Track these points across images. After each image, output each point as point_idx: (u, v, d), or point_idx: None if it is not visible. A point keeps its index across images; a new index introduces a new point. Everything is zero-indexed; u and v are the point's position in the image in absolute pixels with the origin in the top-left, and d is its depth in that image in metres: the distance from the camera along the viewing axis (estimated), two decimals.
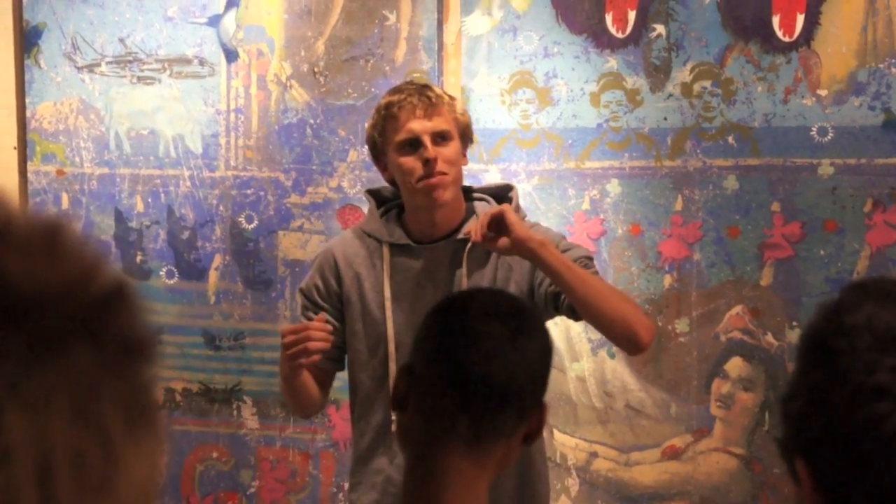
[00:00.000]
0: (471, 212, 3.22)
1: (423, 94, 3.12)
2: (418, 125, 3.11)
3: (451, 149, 3.11)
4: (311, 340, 3.01)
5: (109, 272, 0.77)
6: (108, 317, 0.74)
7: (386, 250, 3.21)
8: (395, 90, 3.20)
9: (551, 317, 3.13)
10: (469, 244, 3.14)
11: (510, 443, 1.87)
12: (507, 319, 1.88)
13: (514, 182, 4.11)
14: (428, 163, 3.09)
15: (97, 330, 0.73)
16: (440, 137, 3.11)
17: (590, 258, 3.16)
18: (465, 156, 3.21)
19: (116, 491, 0.72)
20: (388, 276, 3.20)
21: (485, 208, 3.19)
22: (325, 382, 3.31)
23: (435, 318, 1.93)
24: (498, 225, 2.95)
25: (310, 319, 3.25)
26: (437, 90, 3.19)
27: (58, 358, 0.70)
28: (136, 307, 0.77)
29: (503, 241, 2.94)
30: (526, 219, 3.27)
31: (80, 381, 0.70)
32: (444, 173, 3.09)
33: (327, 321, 3.17)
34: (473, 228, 2.99)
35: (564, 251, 3.05)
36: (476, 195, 3.29)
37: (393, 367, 3.17)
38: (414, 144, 3.11)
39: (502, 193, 3.30)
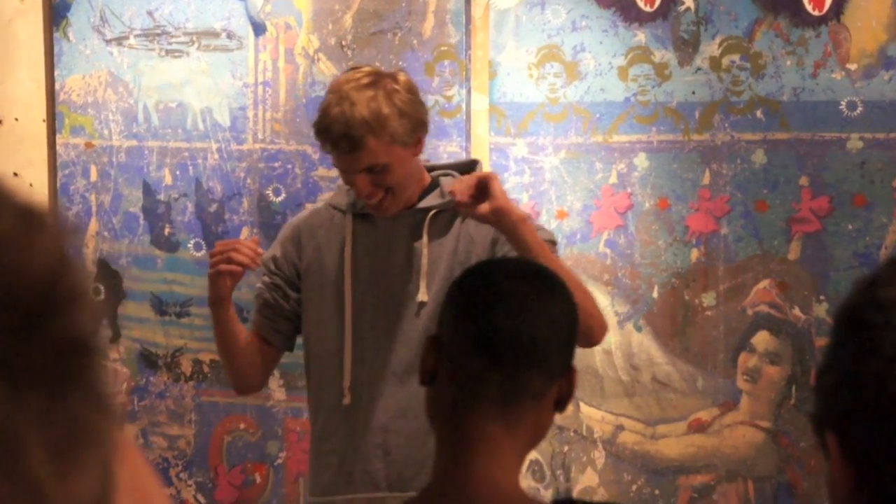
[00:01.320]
0: (435, 184, 3.18)
1: (346, 127, 2.97)
2: (343, 165, 3.05)
3: (389, 175, 3.02)
4: (237, 253, 3.03)
5: (35, 268, 0.64)
6: (30, 339, 0.62)
7: (348, 220, 3.18)
8: (325, 107, 3.05)
9: None
10: (430, 214, 3.13)
11: (541, 405, 1.88)
12: (530, 280, 1.91)
13: (541, 156, 4.12)
14: (361, 197, 3.07)
15: (14, 364, 0.62)
16: (371, 170, 3.02)
17: (554, 243, 3.15)
18: (418, 146, 3.11)
19: None
20: (349, 245, 3.18)
21: (450, 182, 3.15)
22: (267, 356, 3.31)
23: (460, 285, 1.96)
24: (481, 190, 2.92)
25: (264, 284, 3.26)
26: (359, 112, 2.97)
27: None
28: (70, 304, 0.64)
29: (483, 208, 2.89)
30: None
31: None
32: (381, 200, 3.06)
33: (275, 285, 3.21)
34: (458, 189, 2.94)
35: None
36: (440, 170, 3.25)
37: (349, 338, 3.14)
38: (346, 172, 3.07)
39: (468, 169, 3.25)
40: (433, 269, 3.11)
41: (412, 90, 3.11)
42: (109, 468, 0.67)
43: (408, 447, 3.12)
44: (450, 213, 3.14)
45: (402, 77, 3.13)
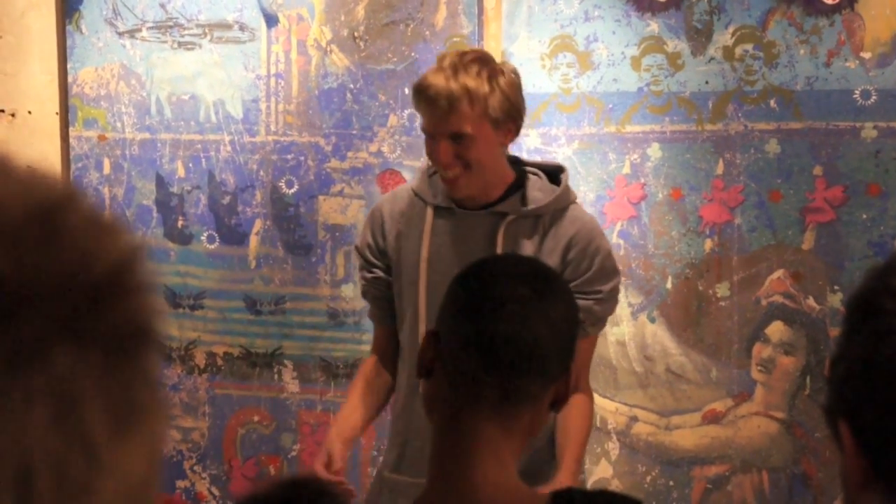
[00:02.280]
0: (519, 184, 3.18)
1: (447, 88, 3.02)
2: (432, 124, 3.06)
3: (471, 149, 3.04)
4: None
5: (110, 256, 0.72)
6: (99, 314, 0.70)
7: (429, 211, 3.19)
8: (434, 70, 3.09)
9: None
10: (507, 218, 3.13)
11: (537, 407, 1.87)
12: (531, 282, 1.88)
13: (553, 147, 4.11)
14: (437, 162, 3.08)
15: (83, 327, 0.69)
16: (457, 138, 3.04)
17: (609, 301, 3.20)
18: (508, 136, 3.13)
19: (101, 495, 0.69)
20: (427, 237, 3.19)
21: (536, 184, 3.16)
22: (395, 341, 3.34)
23: (459, 283, 1.94)
24: None
25: (366, 280, 3.30)
26: (463, 81, 3.03)
27: (40, 362, 0.67)
28: (136, 295, 0.72)
29: None
30: (576, 201, 3.24)
31: (62, 385, 0.67)
32: (457, 176, 3.06)
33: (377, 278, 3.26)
34: None
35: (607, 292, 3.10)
36: (528, 168, 3.25)
37: (422, 330, 3.16)
38: (432, 137, 3.08)
39: (555, 172, 3.24)
40: None
41: (517, 81, 3.15)
42: (157, 449, 0.72)
43: None
44: (531, 219, 3.14)
45: (509, 66, 3.19)
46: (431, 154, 3.09)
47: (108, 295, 0.70)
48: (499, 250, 3.10)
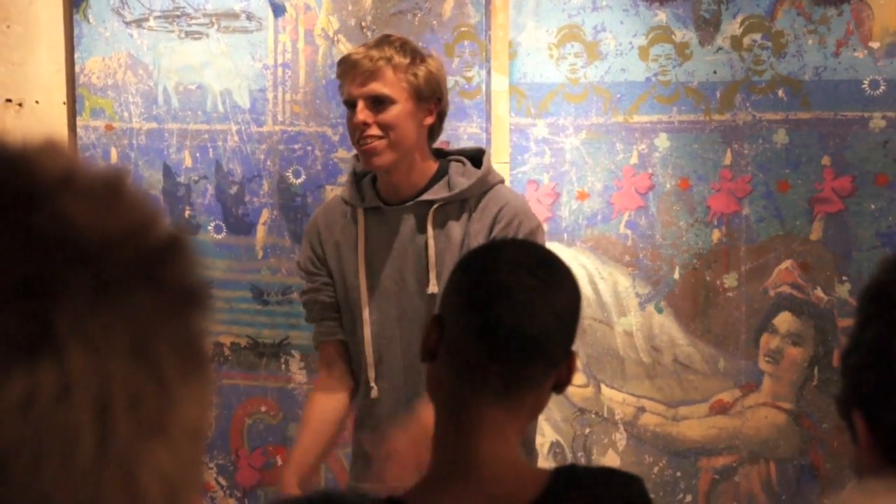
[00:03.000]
0: (443, 172, 3.19)
1: (366, 54, 3.08)
2: (352, 89, 3.10)
3: (391, 113, 3.06)
4: None
5: (166, 223, 0.79)
6: (166, 264, 0.77)
7: (360, 214, 3.20)
8: (342, 58, 3.17)
9: None
10: (434, 205, 3.13)
11: (540, 391, 1.88)
12: (536, 270, 1.87)
13: (561, 137, 4.11)
14: (357, 128, 3.10)
15: (156, 276, 0.75)
16: (376, 101, 3.07)
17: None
18: (429, 116, 3.15)
19: (170, 431, 0.74)
20: (362, 239, 3.20)
21: (459, 170, 3.18)
22: (346, 353, 3.33)
23: (464, 270, 1.94)
24: None
25: (313, 290, 3.29)
26: (387, 52, 3.09)
27: (119, 300, 0.72)
28: (191, 258, 0.80)
29: None
30: (503, 182, 3.26)
31: (139, 323, 0.73)
32: (378, 137, 3.07)
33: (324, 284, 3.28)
34: None
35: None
36: (451, 158, 3.26)
37: (367, 333, 3.19)
38: (352, 106, 3.11)
39: (477, 156, 3.25)
40: (440, 259, 3.12)
41: (443, 72, 3.20)
42: (212, 399, 0.81)
43: None
44: (457, 203, 3.15)
45: (434, 54, 3.27)
46: (350, 123, 3.13)
47: (173, 249, 0.78)
48: (430, 238, 3.12)
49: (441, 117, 3.19)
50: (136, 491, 0.72)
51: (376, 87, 3.07)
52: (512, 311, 1.83)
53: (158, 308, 0.75)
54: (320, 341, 3.32)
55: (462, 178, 3.16)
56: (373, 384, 3.21)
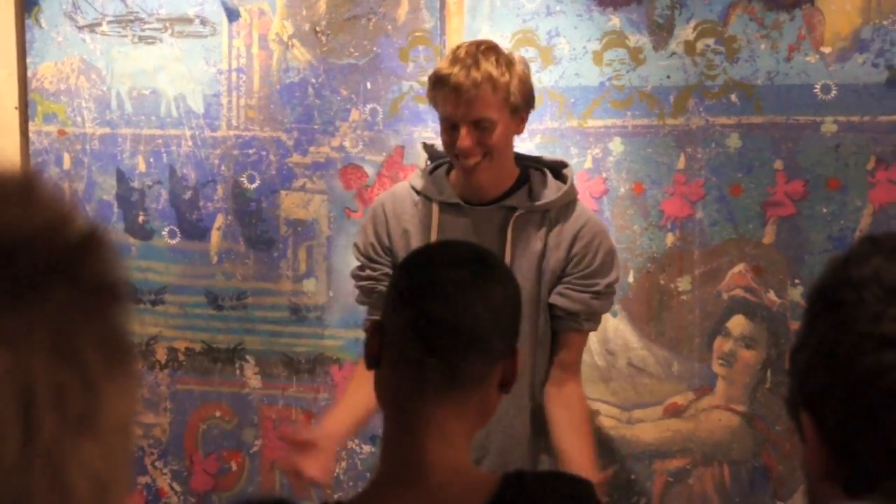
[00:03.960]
0: (524, 179, 3.24)
1: (467, 76, 3.07)
2: (454, 111, 3.11)
3: (494, 136, 3.10)
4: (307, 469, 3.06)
5: (82, 220, 0.79)
6: (84, 260, 0.77)
7: (435, 208, 3.23)
8: (451, 60, 3.14)
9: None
10: (517, 212, 3.15)
11: (484, 389, 1.89)
12: (469, 265, 1.90)
13: (516, 141, 4.12)
14: (458, 148, 3.12)
15: (74, 272, 0.76)
16: (478, 125, 3.09)
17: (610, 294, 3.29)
18: (521, 124, 3.20)
19: (97, 427, 0.74)
20: (435, 233, 3.22)
21: (540, 179, 3.22)
22: None
23: (400, 271, 1.96)
24: None
25: (371, 278, 3.31)
26: (485, 69, 3.09)
27: (37, 297, 0.73)
28: (109, 253, 0.80)
29: None
30: (577, 198, 3.31)
31: (59, 320, 0.73)
32: (478, 161, 3.11)
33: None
34: None
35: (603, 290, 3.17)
36: (530, 164, 3.30)
37: None
38: (453, 126, 3.13)
39: (558, 168, 3.31)
40: (515, 267, 3.15)
41: (528, 69, 3.22)
42: (139, 392, 0.81)
43: (481, 432, 3.17)
44: (539, 214, 3.19)
45: (518, 55, 3.24)
46: (450, 143, 3.14)
47: (89, 246, 0.78)
48: (508, 244, 3.16)
49: (527, 119, 3.24)
50: (64, 488, 0.72)
51: (480, 112, 3.08)
52: (444, 304, 1.85)
53: (78, 305, 0.75)
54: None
55: (545, 189, 3.21)
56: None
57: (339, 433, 3.21)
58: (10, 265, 0.72)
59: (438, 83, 3.12)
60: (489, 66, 3.08)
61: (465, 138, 3.09)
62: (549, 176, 3.27)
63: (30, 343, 0.71)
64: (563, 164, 3.34)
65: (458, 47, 3.19)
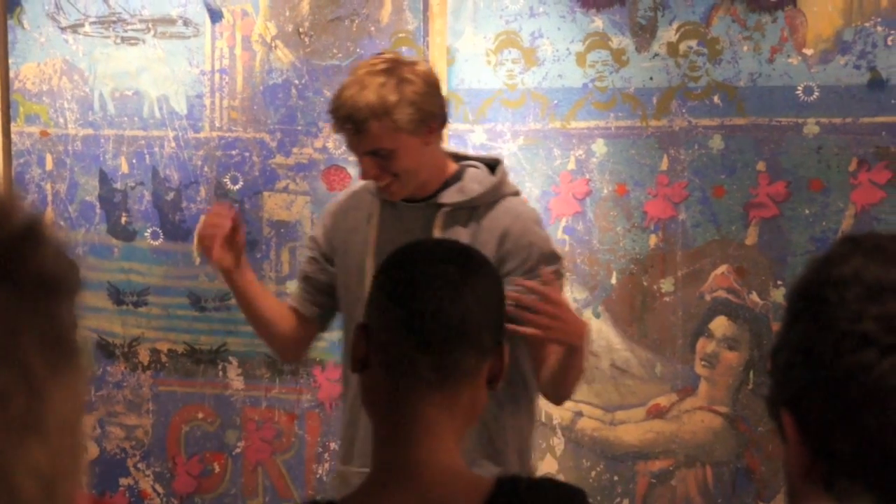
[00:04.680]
0: (458, 176, 3.21)
1: (353, 108, 3.03)
2: (349, 144, 3.11)
3: (396, 163, 3.06)
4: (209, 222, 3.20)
5: (23, 212, 0.77)
6: (24, 256, 0.75)
7: (375, 204, 3.23)
8: (344, 86, 3.10)
9: None
10: (442, 209, 3.15)
11: (474, 385, 1.88)
12: (455, 260, 1.90)
13: (499, 143, 4.12)
14: (366, 178, 3.13)
15: (12, 269, 0.74)
16: (376, 154, 3.07)
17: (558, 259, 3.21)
18: (431, 135, 3.12)
19: (42, 427, 0.73)
20: (374, 229, 3.22)
21: (475, 176, 3.19)
22: (303, 329, 3.35)
23: (385, 270, 1.95)
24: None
25: (306, 260, 3.37)
26: (368, 98, 3.02)
27: None
28: (52, 245, 0.78)
29: (533, 333, 2.96)
30: (518, 194, 3.29)
31: (0, 320, 0.72)
32: (391, 180, 3.10)
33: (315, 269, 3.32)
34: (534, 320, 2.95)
35: (553, 272, 3.07)
36: (469, 162, 3.27)
37: None
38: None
39: (493, 164, 3.27)
40: None
41: (429, 81, 3.12)
42: (86, 389, 0.78)
43: None
44: (467, 210, 3.16)
45: (420, 67, 3.16)
46: (360, 170, 3.14)
47: (28, 242, 0.75)
48: None
49: (444, 120, 3.18)
50: (10, 489, 0.71)
51: (372, 145, 3.05)
52: (433, 298, 1.84)
53: (18, 302, 0.73)
54: (293, 300, 3.39)
55: (476, 184, 3.18)
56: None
57: (251, 278, 3.29)
58: None
59: (332, 117, 3.10)
60: (370, 96, 3.02)
61: (367, 170, 3.09)
62: (485, 171, 3.23)
63: None
64: (497, 161, 3.30)
65: (355, 69, 3.15)
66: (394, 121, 3.03)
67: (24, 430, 0.72)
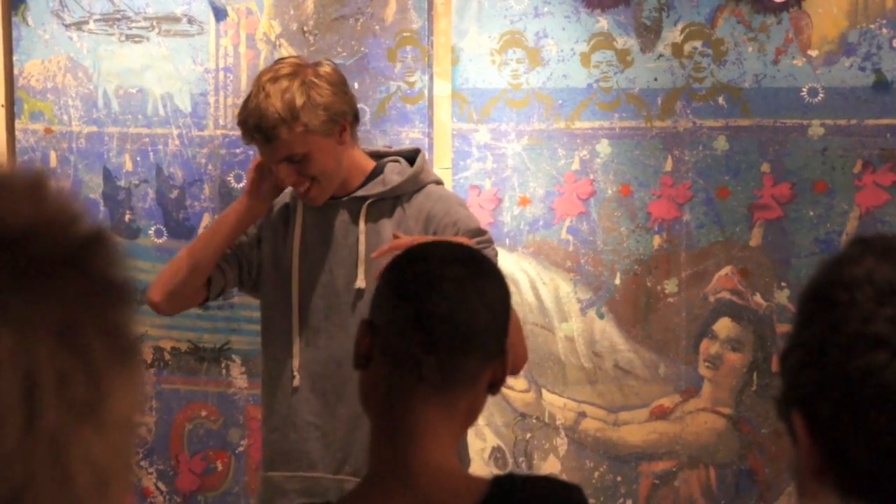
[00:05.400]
0: (379, 171, 3.23)
1: (259, 119, 3.04)
2: (262, 155, 3.13)
3: (310, 165, 3.07)
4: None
5: (90, 220, 0.80)
6: (92, 255, 0.77)
7: (299, 206, 3.24)
8: (248, 99, 3.12)
9: None
10: (368, 202, 3.17)
11: (475, 389, 1.88)
12: (466, 263, 1.91)
13: (503, 142, 4.11)
14: (283, 185, 3.14)
15: (82, 265, 0.76)
16: (290, 160, 3.07)
17: (483, 232, 3.18)
18: (343, 134, 3.13)
19: (100, 417, 0.74)
20: (298, 229, 3.24)
21: (395, 169, 3.22)
22: (213, 278, 3.30)
23: (395, 268, 1.95)
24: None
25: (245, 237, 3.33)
26: (274, 106, 3.02)
27: (45, 284, 0.73)
28: (116, 252, 0.80)
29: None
30: (440, 183, 3.30)
31: (66, 309, 0.73)
32: (310, 184, 3.11)
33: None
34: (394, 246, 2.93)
35: (478, 244, 3.03)
36: (388, 158, 3.28)
37: (296, 321, 3.21)
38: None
39: (412, 156, 3.28)
40: (370, 255, 3.13)
41: (334, 81, 3.12)
42: (143, 391, 0.79)
43: (345, 431, 3.16)
44: (391, 200, 3.18)
45: (324, 68, 3.15)
46: (277, 178, 3.14)
47: (97, 242, 0.78)
48: (361, 233, 3.17)
49: (356, 117, 3.19)
50: (65, 476, 0.72)
51: (284, 152, 3.06)
52: (444, 300, 1.85)
53: (85, 296, 0.75)
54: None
55: (397, 176, 3.19)
56: (296, 373, 3.22)
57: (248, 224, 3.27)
58: (19, 251, 0.73)
59: (240, 126, 3.12)
60: (276, 103, 3.02)
61: (285, 177, 3.09)
62: (405, 164, 3.24)
63: (35, 328, 0.71)
64: (417, 151, 3.31)
65: (261, 74, 3.15)
66: (304, 125, 3.03)
67: (83, 416, 0.73)
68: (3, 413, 0.69)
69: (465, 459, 3.27)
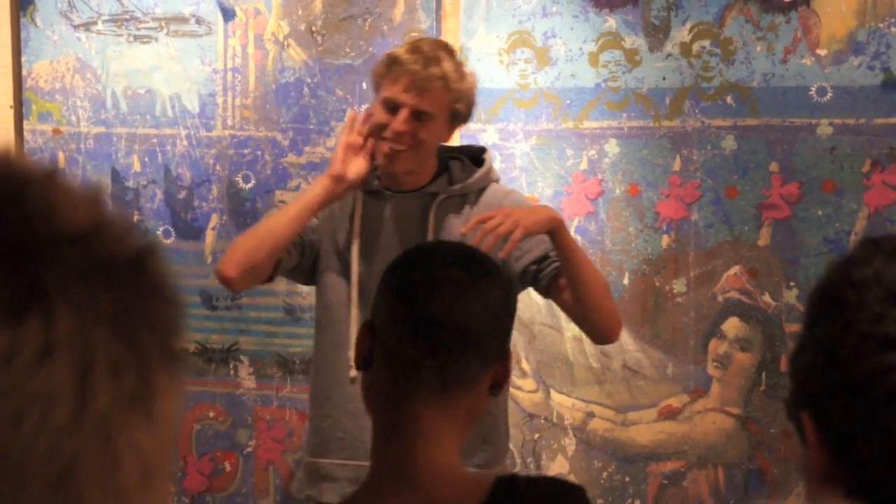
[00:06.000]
0: (443, 169, 3.31)
1: (425, 68, 3.13)
2: (403, 94, 3.16)
3: (428, 129, 3.17)
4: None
5: (142, 232, 0.84)
6: (148, 261, 0.79)
7: (359, 196, 3.26)
8: (411, 48, 3.20)
9: (521, 290, 3.25)
10: (439, 198, 3.24)
11: (476, 391, 1.88)
12: (467, 265, 1.90)
13: (511, 142, 4.11)
14: (391, 129, 3.17)
15: (140, 267, 0.78)
16: (418, 115, 3.15)
17: None
18: (452, 132, 3.29)
19: (148, 409, 0.76)
20: (358, 220, 3.28)
21: (459, 167, 3.31)
22: (282, 259, 3.32)
23: (395, 269, 1.95)
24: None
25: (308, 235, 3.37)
26: (444, 67, 3.16)
27: (105, 273, 0.75)
28: (167, 262, 0.82)
29: (516, 235, 3.02)
30: (499, 181, 3.40)
31: (123, 304, 0.75)
32: (406, 147, 3.16)
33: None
34: (483, 240, 3.01)
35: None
36: (450, 154, 3.37)
37: (355, 310, 3.25)
38: (392, 108, 3.17)
39: (477, 153, 3.38)
40: None
41: (476, 85, 3.30)
42: (183, 399, 0.81)
43: None
44: (458, 198, 3.26)
45: (469, 69, 3.35)
46: (384, 124, 3.18)
47: (154, 251, 0.80)
48: (430, 229, 3.22)
49: (464, 123, 3.33)
50: (113, 460, 0.74)
51: (426, 105, 3.14)
52: (442, 302, 1.84)
53: (142, 296, 0.77)
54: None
55: (463, 174, 3.29)
56: (352, 362, 3.24)
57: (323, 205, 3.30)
58: (85, 246, 0.75)
59: (395, 64, 3.17)
60: (448, 66, 3.16)
61: (402, 122, 3.15)
62: (467, 162, 3.35)
63: (94, 312, 0.73)
64: (483, 150, 3.41)
65: (421, 40, 3.29)
66: (457, 98, 3.18)
67: (133, 405, 0.74)
68: (57, 392, 0.71)
69: (504, 436, 3.30)
